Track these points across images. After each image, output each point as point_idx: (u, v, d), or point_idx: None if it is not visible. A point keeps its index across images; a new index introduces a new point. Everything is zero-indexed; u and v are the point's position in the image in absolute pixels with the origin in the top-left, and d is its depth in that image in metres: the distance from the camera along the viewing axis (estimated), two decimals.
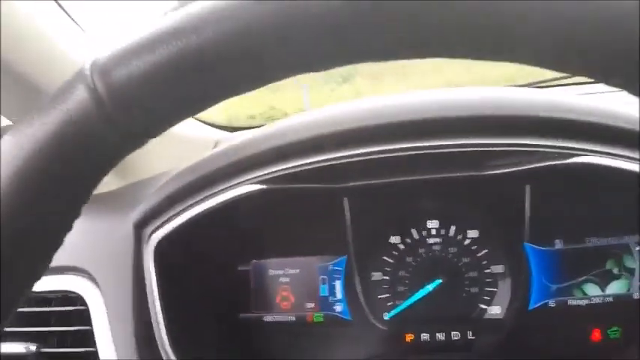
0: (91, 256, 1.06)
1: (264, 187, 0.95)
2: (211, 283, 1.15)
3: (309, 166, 0.92)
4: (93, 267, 1.04)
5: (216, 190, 0.97)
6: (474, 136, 0.89)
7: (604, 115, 0.87)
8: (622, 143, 0.88)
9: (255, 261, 1.19)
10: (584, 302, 1.12)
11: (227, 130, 1.48)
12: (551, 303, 1.12)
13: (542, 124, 0.89)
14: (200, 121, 1.43)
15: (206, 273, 1.13)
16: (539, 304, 1.12)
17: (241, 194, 0.95)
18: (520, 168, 0.97)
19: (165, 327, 0.98)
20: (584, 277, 1.12)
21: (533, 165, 0.95)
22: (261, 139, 0.98)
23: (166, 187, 1.01)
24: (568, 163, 0.89)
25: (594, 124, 0.87)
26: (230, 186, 0.95)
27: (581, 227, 1.12)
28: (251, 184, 0.94)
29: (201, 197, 0.98)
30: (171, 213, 0.99)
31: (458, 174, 1.01)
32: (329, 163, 0.94)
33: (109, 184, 1.32)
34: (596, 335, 1.12)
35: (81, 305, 1.04)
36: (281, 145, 0.94)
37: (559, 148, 0.88)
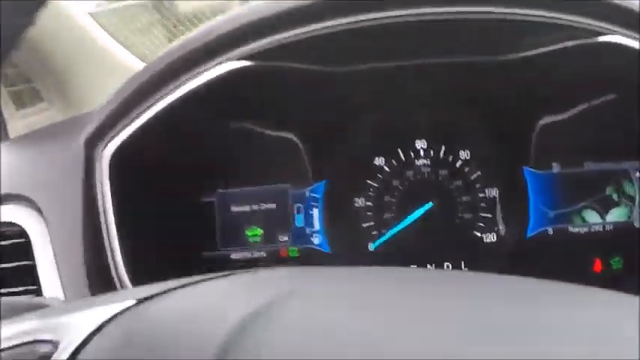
0: (34, 182, 0.91)
1: (246, 63, 0.81)
2: (172, 216, 1.00)
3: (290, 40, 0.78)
4: (37, 194, 0.88)
5: (176, 84, 0.83)
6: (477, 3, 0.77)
7: None
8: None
9: (220, 191, 1.05)
10: (584, 230, 1.03)
11: None
12: (550, 230, 1.02)
13: None
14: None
15: (166, 203, 0.98)
16: (537, 232, 1.02)
17: (220, 74, 0.81)
18: (548, 49, 0.83)
19: (122, 254, 0.84)
20: (583, 203, 1.03)
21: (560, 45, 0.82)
22: (217, 25, 0.84)
23: (119, 93, 0.86)
24: (592, 43, 0.77)
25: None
26: (196, 72, 0.81)
27: (580, 150, 1.03)
28: (230, 61, 0.80)
29: (158, 97, 0.84)
30: (124, 122, 0.84)
31: (470, 58, 0.87)
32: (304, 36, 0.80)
33: (52, 117, 1.20)
34: (598, 265, 1.03)
35: (21, 238, 0.88)
36: (247, 22, 0.80)
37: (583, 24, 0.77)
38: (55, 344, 0.33)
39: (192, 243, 1.04)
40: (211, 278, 0.46)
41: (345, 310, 0.36)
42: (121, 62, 1.20)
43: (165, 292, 0.41)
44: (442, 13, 0.76)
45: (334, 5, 0.78)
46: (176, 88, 0.83)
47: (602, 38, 0.77)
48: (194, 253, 1.05)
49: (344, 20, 0.77)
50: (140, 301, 0.38)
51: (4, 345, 0.35)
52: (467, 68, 0.87)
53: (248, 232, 1.05)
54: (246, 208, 1.05)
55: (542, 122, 0.97)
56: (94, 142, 0.87)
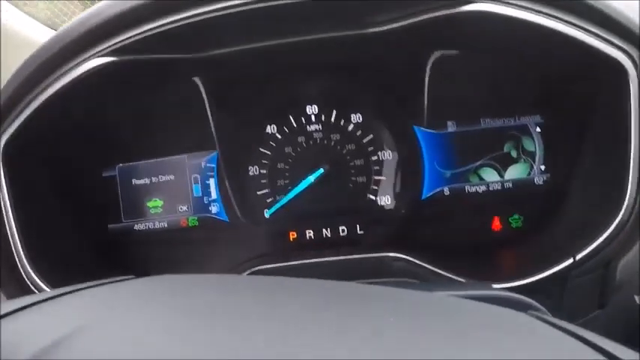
0: None
1: (114, 58, 0.80)
2: (73, 192, 1.01)
3: (161, 29, 0.77)
4: None
5: (65, 69, 0.82)
6: None
7: None
8: None
9: (120, 165, 1.06)
10: (481, 188, 1.03)
11: None
12: (446, 190, 1.02)
13: None
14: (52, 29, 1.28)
15: (66, 181, 1.00)
16: (433, 192, 1.02)
17: (91, 69, 0.80)
18: (409, 21, 0.79)
19: (23, 246, 0.85)
20: (480, 162, 1.03)
21: (423, 16, 0.78)
22: (97, 12, 0.83)
23: (6, 86, 0.86)
24: (462, 13, 0.75)
25: None
26: (78, 62, 0.80)
27: (475, 107, 1.02)
28: (100, 56, 0.79)
29: (50, 81, 0.82)
30: (18, 109, 0.84)
31: (337, 33, 0.84)
32: (177, 24, 0.79)
33: None
34: (497, 224, 1.03)
35: None
36: (126, 10, 0.79)
37: None
38: None
39: (97, 217, 1.06)
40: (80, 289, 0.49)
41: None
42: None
43: (31, 304, 0.44)
44: None
45: None
46: (61, 76, 0.82)
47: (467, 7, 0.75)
48: (100, 227, 1.07)
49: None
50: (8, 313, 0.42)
51: None
52: (336, 42, 0.85)
53: (149, 204, 1.06)
54: (147, 181, 1.06)
55: (432, 82, 0.95)
56: None
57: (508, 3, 0.74)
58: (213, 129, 0.97)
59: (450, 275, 0.84)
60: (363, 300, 0.45)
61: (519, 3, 0.74)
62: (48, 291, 0.48)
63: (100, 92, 0.89)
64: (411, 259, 0.89)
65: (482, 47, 0.90)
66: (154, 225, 1.06)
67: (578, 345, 0.39)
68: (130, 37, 0.78)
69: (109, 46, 0.79)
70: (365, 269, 0.91)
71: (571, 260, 0.80)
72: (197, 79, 0.92)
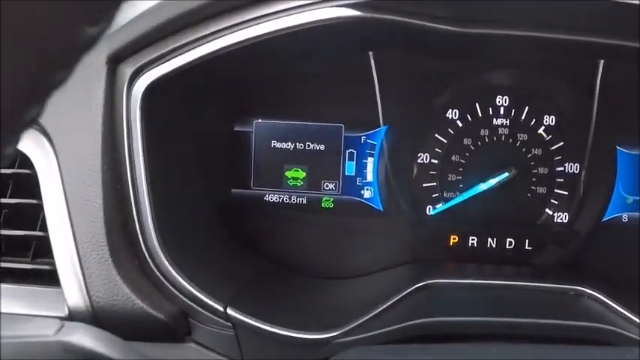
0: None
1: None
2: (202, 147, 0.85)
3: None
4: (46, 117, 0.71)
5: (226, 26, 0.67)
6: None
7: None
8: None
9: (259, 121, 0.89)
10: None
11: None
12: (625, 217, 0.91)
13: None
14: None
15: (198, 134, 0.84)
16: (611, 217, 0.90)
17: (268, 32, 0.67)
18: None
19: (151, 206, 0.71)
20: None
21: None
22: None
23: (154, 14, 0.69)
24: None
25: None
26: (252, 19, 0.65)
27: None
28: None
29: (205, 34, 0.69)
30: (162, 50, 0.70)
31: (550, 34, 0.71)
32: None
33: None
34: None
35: (25, 169, 0.73)
36: None
37: None
38: None
39: (221, 178, 0.90)
40: None
41: None
42: None
43: None
44: None
45: None
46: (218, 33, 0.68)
47: None
48: (222, 190, 0.90)
49: None
50: None
51: None
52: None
53: (288, 174, 0.91)
54: (289, 145, 0.90)
55: None
56: (119, 59, 0.72)
57: None
58: (378, 101, 0.82)
59: None
60: None
61: None
62: None
63: (267, 50, 0.73)
64: (600, 296, 0.77)
65: None
66: (290, 199, 0.90)
67: None
68: None
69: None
70: (546, 303, 0.79)
71: None
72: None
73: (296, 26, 0.66)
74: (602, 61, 0.80)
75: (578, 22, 0.69)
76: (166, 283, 0.71)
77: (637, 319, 0.75)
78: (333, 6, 0.65)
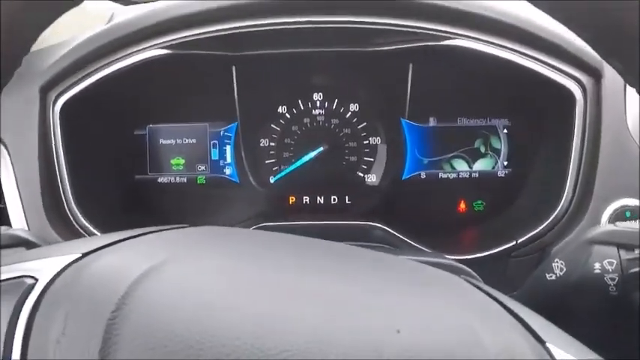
0: (3, 121, 1.05)
1: (168, 52, 1.01)
2: (111, 145, 1.21)
3: (210, 34, 0.97)
4: (5, 133, 1.04)
5: (122, 55, 1.01)
6: (362, 14, 0.96)
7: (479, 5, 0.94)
8: (492, 31, 0.96)
9: (151, 126, 1.25)
10: (452, 175, 1.22)
11: (121, 3, 1.48)
12: (423, 174, 1.22)
13: (422, 9, 0.95)
14: None
15: (107, 135, 1.19)
16: (411, 175, 1.21)
17: (146, 58, 1.00)
18: (401, 47, 1.03)
19: (70, 183, 1.04)
20: (453, 153, 1.22)
21: (413, 44, 1.01)
22: (163, 9, 1.01)
23: (73, 52, 1.03)
24: (442, 45, 0.96)
25: (466, 12, 0.94)
26: (136, 50, 1.00)
27: (454, 108, 1.21)
28: (157, 49, 0.99)
29: (108, 61, 1.02)
30: (77, 77, 1.03)
31: (345, 48, 1.07)
32: (228, 32, 0.98)
33: None
34: (462, 206, 1.23)
35: None
36: (184, 14, 0.98)
37: (434, 30, 0.95)
38: (35, 281, 0.43)
39: (127, 168, 1.25)
40: (145, 233, 0.54)
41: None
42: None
43: (105, 245, 0.48)
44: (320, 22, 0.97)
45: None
46: (119, 60, 1.02)
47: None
48: (128, 177, 1.26)
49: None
50: (84, 254, 0.46)
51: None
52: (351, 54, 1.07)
53: (173, 161, 1.26)
54: (172, 141, 1.25)
55: (415, 86, 1.14)
56: (48, 89, 1.04)
57: (477, 39, 0.95)
58: (237, 105, 1.16)
59: (418, 245, 1.04)
60: (345, 255, 0.55)
61: (484, 38, 0.94)
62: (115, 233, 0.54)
63: (148, 75, 1.07)
64: (387, 229, 1.09)
65: (460, 68, 1.10)
66: (175, 179, 1.25)
67: (493, 305, 0.45)
68: (191, 36, 0.97)
69: (168, 41, 0.99)
70: (350, 234, 1.11)
71: (513, 243, 1.00)
72: (233, 68, 1.11)
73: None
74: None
75: None
76: (78, 228, 1.03)
77: (413, 243, 1.07)
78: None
